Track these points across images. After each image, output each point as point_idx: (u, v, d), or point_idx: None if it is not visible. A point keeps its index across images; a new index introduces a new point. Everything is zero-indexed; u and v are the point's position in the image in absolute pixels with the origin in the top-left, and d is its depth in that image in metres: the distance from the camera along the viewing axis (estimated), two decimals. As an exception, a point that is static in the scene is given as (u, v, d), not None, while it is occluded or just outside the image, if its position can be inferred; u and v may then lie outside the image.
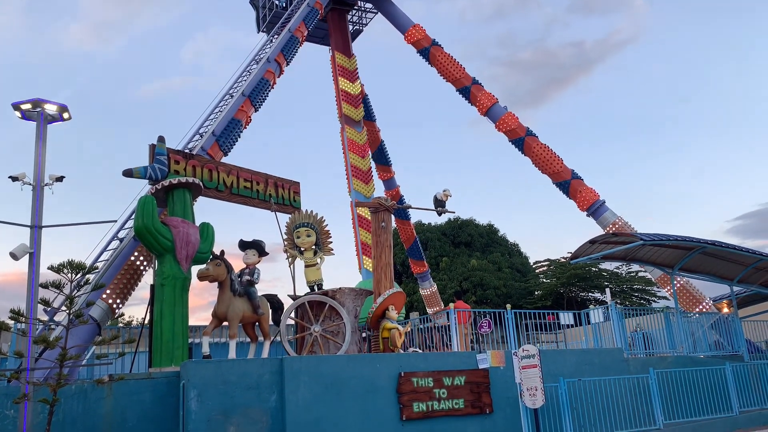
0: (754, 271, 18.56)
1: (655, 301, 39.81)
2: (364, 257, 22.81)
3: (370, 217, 23.03)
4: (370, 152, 26.86)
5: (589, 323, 16.51)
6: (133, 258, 15.11)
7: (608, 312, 15.85)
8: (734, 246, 17.17)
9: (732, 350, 17.33)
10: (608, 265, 40.28)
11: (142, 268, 15.38)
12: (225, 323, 11.78)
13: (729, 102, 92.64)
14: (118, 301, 14.94)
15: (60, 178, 10.38)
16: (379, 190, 30.73)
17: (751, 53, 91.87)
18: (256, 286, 12.21)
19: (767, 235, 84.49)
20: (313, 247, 13.32)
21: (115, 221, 15.35)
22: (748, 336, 18.60)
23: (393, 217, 19.20)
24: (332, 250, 13.66)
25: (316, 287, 13.13)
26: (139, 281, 15.43)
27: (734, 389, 14.79)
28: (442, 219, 47.02)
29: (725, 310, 21.35)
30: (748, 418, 14.64)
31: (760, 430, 14.05)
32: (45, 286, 9.23)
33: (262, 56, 22.07)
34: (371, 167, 24.72)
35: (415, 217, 37.37)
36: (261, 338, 12.44)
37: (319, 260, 13.36)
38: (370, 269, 21.85)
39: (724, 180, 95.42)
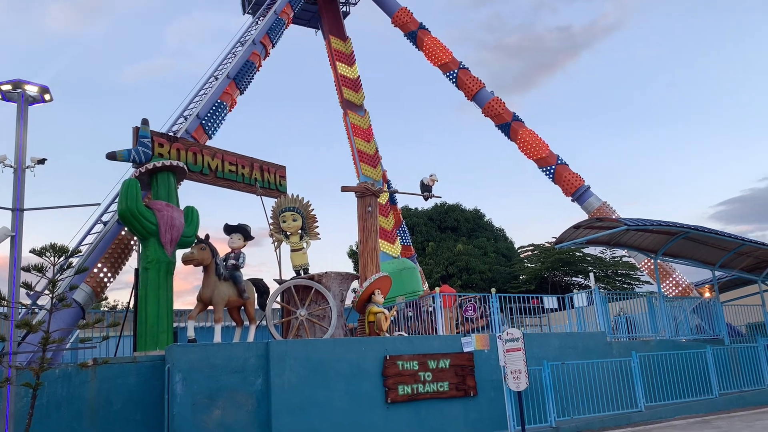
0: (736, 256, 18.80)
1: (638, 286, 40.22)
2: (381, 241, 22.81)
3: (381, 200, 23.09)
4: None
5: (573, 307, 16.66)
6: (123, 232, 14.94)
7: (592, 296, 16.00)
8: (717, 231, 17.36)
9: (713, 334, 17.59)
10: (592, 250, 40.55)
11: (132, 243, 15.23)
12: (210, 307, 11.77)
13: (714, 88, 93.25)
14: (109, 275, 14.80)
15: (42, 161, 10.25)
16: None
17: (737, 40, 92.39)
18: (241, 270, 12.18)
19: (749, 221, 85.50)
20: (299, 231, 13.30)
21: (99, 204, 15.19)
22: (728, 320, 18.87)
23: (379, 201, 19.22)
24: (318, 234, 13.65)
25: (302, 271, 13.12)
26: (130, 256, 15.27)
27: (714, 372, 15.03)
28: (429, 204, 47.04)
29: (707, 294, 21.63)
30: (727, 400, 14.90)
31: (738, 411, 14.30)
32: (27, 269, 9.16)
33: (247, 38, 21.85)
34: (377, 150, 24.53)
35: (401, 201, 37.37)
36: (247, 322, 12.44)
37: (305, 245, 13.34)
38: (388, 252, 22.00)
39: (708, 166, 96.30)
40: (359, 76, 25.61)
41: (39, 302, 13.19)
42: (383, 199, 23.03)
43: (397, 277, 17.12)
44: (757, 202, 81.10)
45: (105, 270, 14.61)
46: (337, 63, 25.04)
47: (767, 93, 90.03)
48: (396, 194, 28.07)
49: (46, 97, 10.70)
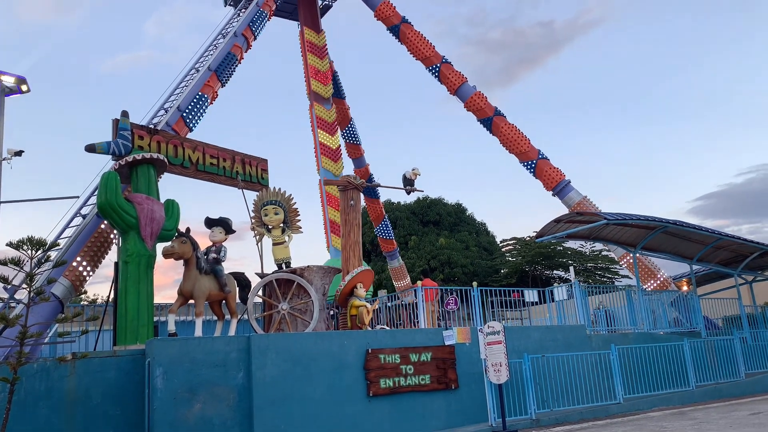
0: (713, 250, 19.08)
1: (618, 280, 40.68)
2: (332, 236, 22.74)
3: (338, 196, 22.98)
4: (339, 130, 26.67)
5: (553, 301, 16.82)
6: (103, 226, 14.78)
7: (572, 290, 16.17)
8: (694, 226, 17.60)
9: (690, 327, 17.84)
10: (572, 244, 40.99)
11: (112, 236, 15.08)
12: (191, 301, 11.70)
13: (693, 85, 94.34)
14: (89, 268, 14.66)
15: (19, 153, 10.13)
16: (348, 168, 30.63)
17: (716, 38, 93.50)
18: (222, 264, 12.12)
19: (726, 216, 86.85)
20: (281, 225, 13.25)
21: (78, 197, 15.09)
22: (705, 313, 19.15)
23: (362, 195, 19.22)
24: (300, 228, 13.61)
25: (284, 265, 13.09)
26: (110, 249, 15.11)
27: (691, 365, 15.25)
28: (411, 198, 47.19)
29: (684, 288, 21.94)
30: (703, 391, 15.14)
31: (714, 403, 14.54)
32: (4, 263, 9.02)
33: (228, 30, 21.68)
34: (340, 145, 24.53)
35: (384, 195, 37.38)
36: (228, 316, 12.39)
37: (287, 238, 13.30)
38: (339, 248, 21.83)
39: (686, 161, 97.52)
40: (329, 70, 25.56)
41: (16, 296, 13.03)
42: (334, 190, 22.73)
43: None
44: (733, 197, 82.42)
45: (84, 264, 14.46)
46: (309, 54, 24.97)
47: (745, 90, 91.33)
48: (378, 188, 28.11)
49: (23, 87, 10.57)
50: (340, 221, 15.95)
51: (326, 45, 25.91)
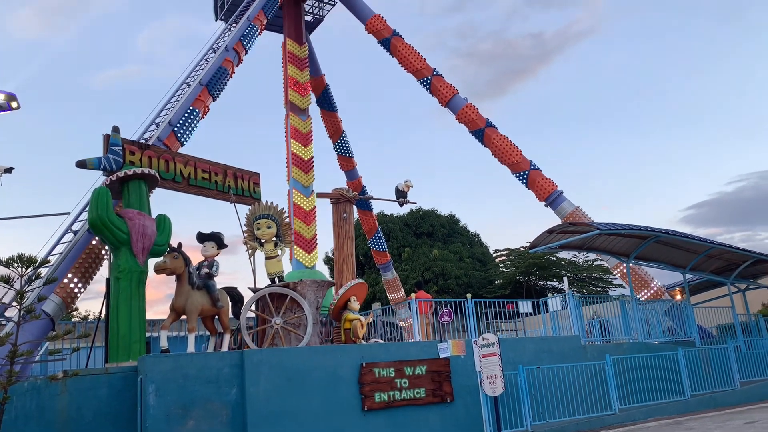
0: (706, 259, 19.14)
1: (611, 289, 40.70)
2: (296, 248, 22.48)
3: (306, 207, 22.84)
4: (326, 142, 26.66)
5: (547, 311, 16.81)
6: (94, 242, 14.69)
7: (566, 300, 16.16)
8: (687, 235, 17.66)
9: (684, 336, 17.85)
10: (566, 254, 41.03)
11: (104, 252, 14.99)
12: (183, 317, 11.61)
13: (684, 94, 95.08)
14: (80, 285, 14.56)
15: (9, 170, 10.08)
16: (340, 181, 30.63)
17: (706, 48, 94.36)
18: (215, 278, 12.05)
19: (718, 224, 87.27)
20: (274, 239, 13.21)
21: (69, 213, 15.02)
22: (699, 322, 19.18)
23: (355, 207, 19.21)
24: (293, 242, 13.56)
25: (276, 279, 13.03)
26: (101, 265, 15.03)
27: (686, 374, 15.24)
28: (404, 210, 47.14)
29: (678, 297, 21.97)
30: (699, 401, 15.12)
31: (710, 412, 14.51)
32: (-6, 281, 8.94)
33: (220, 45, 21.72)
34: (312, 157, 24.52)
35: (377, 207, 37.42)
36: (221, 331, 12.30)
37: (279, 252, 13.25)
38: (302, 261, 21.68)
39: (678, 171, 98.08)
40: (308, 82, 25.61)
41: (6, 314, 12.91)
42: (308, 206, 22.65)
43: None
44: (725, 205, 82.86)
45: (75, 280, 14.38)
46: (289, 65, 25.05)
47: (734, 100, 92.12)
48: (371, 200, 28.11)
49: (13, 104, 10.53)
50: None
51: (307, 57, 26.00)
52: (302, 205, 22.75)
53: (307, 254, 22.10)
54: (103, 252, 14.95)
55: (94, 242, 14.64)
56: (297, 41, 25.65)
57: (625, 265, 19.21)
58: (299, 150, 23.83)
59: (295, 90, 24.67)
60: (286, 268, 15.38)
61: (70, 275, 14.20)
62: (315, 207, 22.88)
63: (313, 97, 28.54)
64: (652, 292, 20.87)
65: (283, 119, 25.07)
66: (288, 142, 24.31)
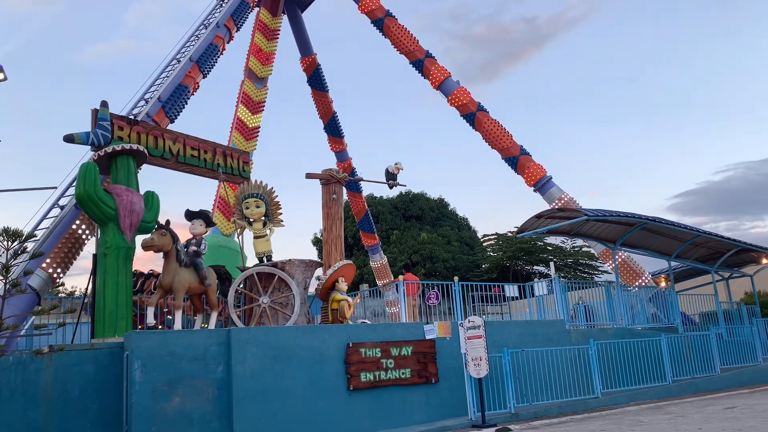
0: (691, 247, 19.33)
1: (597, 275, 41.02)
2: (218, 213, 22.26)
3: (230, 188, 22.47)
4: (317, 123, 26.57)
5: (533, 296, 16.92)
6: (74, 227, 14.64)
7: (552, 285, 16.28)
8: (673, 222, 17.80)
9: (668, 323, 18.08)
10: (553, 240, 41.22)
11: (84, 237, 14.94)
12: (170, 294, 11.59)
13: (674, 83, 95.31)
14: (59, 270, 14.52)
15: (-5, 142, 9.93)
16: (331, 161, 30.56)
17: (698, 37, 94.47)
18: (202, 256, 12.02)
19: (704, 213, 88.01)
20: (263, 218, 13.18)
21: (56, 188, 14.89)
22: (683, 309, 19.41)
23: (344, 189, 19.17)
24: (282, 221, 13.54)
25: (265, 259, 13.03)
26: (81, 251, 14.98)
27: (668, 360, 15.46)
28: (394, 192, 47.00)
29: (662, 284, 22.21)
30: (679, 386, 15.35)
31: (690, 397, 14.76)
32: (-21, 254, 8.88)
33: (211, 21, 21.47)
34: (259, 127, 24.43)
35: (366, 189, 37.37)
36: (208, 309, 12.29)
37: (268, 231, 13.23)
38: (221, 228, 21.49)
39: (666, 159, 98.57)
40: (273, 53, 25.49)
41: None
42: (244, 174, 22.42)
43: (215, 251, 16.76)
44: (711, 194, 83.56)
45: (54, 265, 14.34)
46: (257, 33, 24.95)
47: (724, 90, 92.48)
48: (361, 182, 28.07)
49: (0, 75, 10.35)
50: (322, 215, 15.89)
51: (279, 29, 25.89)
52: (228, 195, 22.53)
53: (227, 222, 21.78)
54: (84, 236, 14.87)
55: (73, 227, 14.55)
56: (271, 12, 25.56)
57: (620, 255, 19.33)
58: (246, 116, 23.78)
59: (257, 58, 24.65)
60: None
61: (48, 260, 14.13)
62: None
63: (305, 76, 28.38)
64: (645, 281, 21.09)
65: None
66: (237, 107, 24.28)
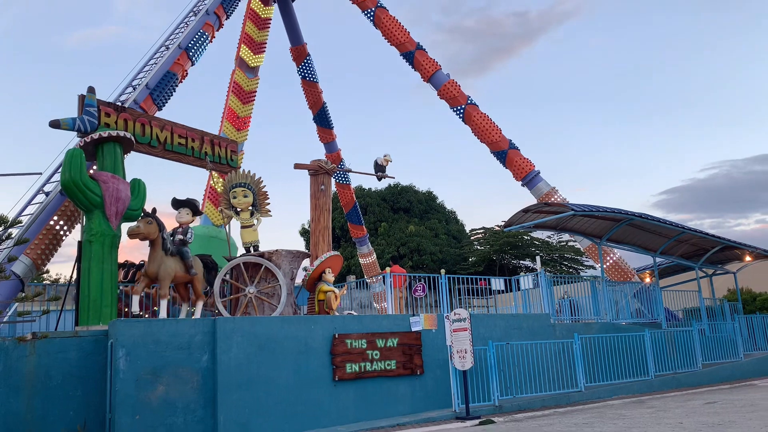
0: (676, 243, 19.49)
1: (583, 270, 41.32)
2: (208, 202, 22.19)
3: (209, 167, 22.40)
4: (306, 113, 26.48)
5: (519, 289, 17.02)
6: (52, 222, 14.47)
7: (538, 279, 16.37)
8: (659, 219, 17.93)
9: (651, 318, 18.24)
10: (540, 234, 41.48)
11: (62, 233, 14.76)
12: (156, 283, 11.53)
13: (661, 80, 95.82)
14: (40, 261, 14.38)
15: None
16: (319, 152, 30.46)
17: (687, 35, 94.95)
18: (189, 245, 11.97)
19: (689, 210, 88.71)
20: (250, 208, 13.14)
21: (41, 174, 14.74)
22: (667, 305, 19.59)
23: (333, 180, 19.14)
24: (269, 211, 13.51)
25: (252, 248, 12.99)
26: (59, 246, 14.81)
27: (651, 355, 15.60)
28: (382, 184, 47.11)
29: (647, 280, 22.40)
30: (662, 381, 15.51)
31: (672, 392, 14.92)
32: (-38, 239, 8.78)
33: (200, 8, 21.27)
34: (250, 117, 24.34)
35: (355, 181, 37.32)
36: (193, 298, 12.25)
37: (255, 221, 13.20)
38: (211, 218, 21.42)
39: (652, 156, 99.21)
40: (264, 43, 25.33)
41: (-25, 274, 12.70)
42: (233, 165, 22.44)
43: (205, 242, 16.76)
44: (697, 191, 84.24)
45: (38, 252, 14.19)
46: (247, 21, 24.79)
47: (711, 87, 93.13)
48: (349, 173, 28.02)
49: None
50: (310, 205, 15.86)
51: (270, 19, 25.71)
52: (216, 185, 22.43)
53: (215, 209, 21.75)
54: (62, 233, 14.71)
55: (51, 222, 14.39)
56: (263, 1, 25.32)
57: (613, 255, 19.44)
58: (237, 106, 23.64)
59: (248, 47, 24.48)
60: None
61: (28, 251, 13.97)
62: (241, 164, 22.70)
63: (294, 67, 28.22)
64: (611, 262, 21.26)
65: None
66: (228, 96, 24.13)
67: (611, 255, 21.29)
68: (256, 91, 24.73)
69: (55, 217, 14.42)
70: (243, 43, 24.57)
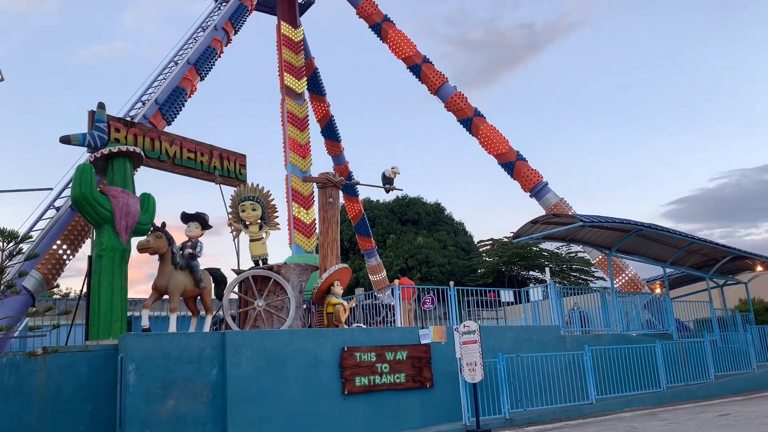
0: (686, 254, 19.36)
1: (592, 281, 41.08)
2: (295, 232, 22.51)
3: (304, 192, 22.81)
4: (313, 126, 26.60)
5: (528, 301, 16.94)
6: (55, 246, 14.56)
7: (547, 290, 16.29)
8: (669, 229, 17.83)
9: (662, 329, 18.09)
10: (549, 245, 41.32)
11: (65, 257, 14.84)
12: (165, 297, 11.57)
13: (669, 90, 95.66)
14: (49, 277, 14.47)
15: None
16: (327, 165, 30.57)
17: (693, 45, 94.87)
18: (198, 259, 12.00)
19: (699, 220, 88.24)
20: (259, 221, 13.17)
21: (51, 189, 14.89)
22: (677, 316, 19.44)
23: (341, 193, 19.18)
24: (278, 224, 13.54)
25: (260, 262, 13.01)
26: (62, 271, 14.90)
27: (663, 366, 15.47)
28: (390, 196, 47.16)
29: (657, 290, 22.25)
30: (674, 393, 15.37)
31: (684, 404, 14.77)
32: (-26, 255, 8.85)
33: (209, 23, 21.51)
34: (309, 141, 24.41)
35: (363, 194, 37.33)
36: (203, 312, 12.28)
37: (264, 235, 13.22)
38: (302, 245, 21.75)
39: (661, 166, 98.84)
40: (303, 66, 25.40)
41: (-14, 289, 12.78)
42: (306, 191, 22.81)
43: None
44: (706, 201, 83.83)
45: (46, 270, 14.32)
46: (284, 49, 24.83)
47: (719, 98, 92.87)
48: (357, 186, 28.08)
49: (-3, 77, 10.34)
50: (319, 218, 15.88)
51: (302, 40, 25.77)
52: (300, 190, 22.72)
53: (306, 239, 22.15)
54: (65, 257, 14.83)
55: (54, 247, 14.51)
56: (291, 24, 25.42)
57: (628, 273, 19.31)
58: (296, 135, 23.70)
59: (291, 74, 24.46)
60: (287, 252, 15.40)
61: (59, 242, 14.11)
62: (313, 192, 22.88)
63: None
64: (626, 279, 21.14)
65: (279, 103, 24.91)
66: (284, 127, 24.18)
67: (627, 271, 21.19)
68: (308, 116, 24.77)
69: (59, 242, 14.49)
70: (285, 71, 24.50)
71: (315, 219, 22.60)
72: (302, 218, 22.36)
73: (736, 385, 17.10)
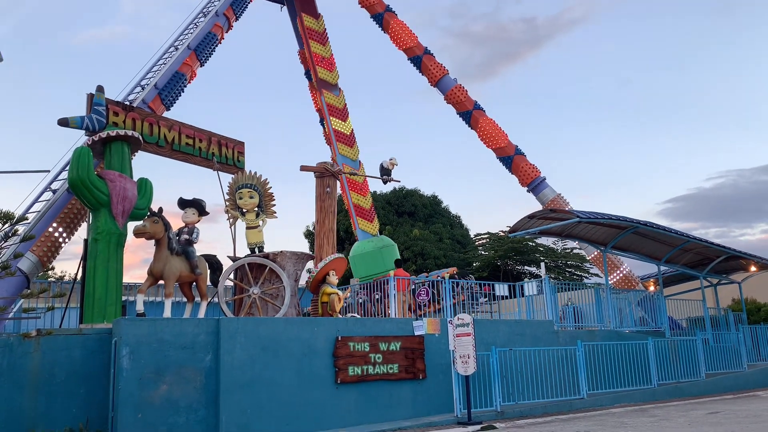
0: (681, 252, 19.43)
1: (587, 278, 41.18)
2: (359, 219, 22.68)
3: (358, 179, 22.90)
4: (313, 117, 26.52)
5: (523, 295, 16.99)
6: (51, 229, 14.53)
7: (542, 285, 16.35)
8: (664, 227, 17.88)
9: (655, 326, 18.18)
10: (545, 241, 41.38)
11: (60, 240, 14.81)
12: (161, 282, 11.58)
13: (668, 88, 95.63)
14: (44, 259, 14.45)
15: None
16: (325, 155, 30.50)
17: (694, 43, 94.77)
18: (194, 245, 12.01)
19: (694, 219, 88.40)
20: (256, 209, 13.17)
21: (48, 171, 14.84)
22: (671, 314, 19.53)
23: (338, 183, 19.18)
24: (275, 213, 13.54)
25: (257, 249, 13.02)
26: (57, 254, 14.87)
27: (654, 363, 15.56)
28: (388, 188, 47.10)
29: (651, 288, 22.34)
30: (665, 390, 15.46)
31: (674, 401, 14.87)
32: (-30, 235, 8.84)
33: (210, 9, 21.40)
34: (353, 129, 24.33)
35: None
36: (198, 298, 12.30)
37: (261, 222, 13.22)
38: (367, 230, 21.96)
39: (658, 164, 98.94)
40: (333, 55, 25.20)
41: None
42: (360, 178, 23.06)
43: (378, 255, 17.00)
44: (702, 200, 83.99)
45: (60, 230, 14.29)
46: (311, 42, 24.58)
47: (718, 96, 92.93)
48: (355, 176, 28.06)
49: (-4, 57, 10.29)
50: (316, 208, 15.89)
51: (326, 30, 25.58)
52: (355, 178, 22.83)
53: (369, 223, 22.43)
54: (60, 240, 14.79)
55: (50, 229, 14.47)
56: (312, 15, 25.10)
57: (624, 269, 19.37)
58: (339, 125, 23.61)
59: (323, 66, 24.21)
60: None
61: (55, 224, 14.10)
62: (366, 178, 23.17)
63: (302, 69, 28.31)
64: (621, 276, 21.20)
65: (312, 97, 24.80)
66: (327, 121, 24.05)
67: (621, 268, 21.25)
68: (346, 105, 24.65)
69: (55, 224, 14.47)
70: (317, 64, 24.27)
71: (372, 204, 23.36)
72: (362, 205, 22.74)
73: (726, 383, 17.22)
